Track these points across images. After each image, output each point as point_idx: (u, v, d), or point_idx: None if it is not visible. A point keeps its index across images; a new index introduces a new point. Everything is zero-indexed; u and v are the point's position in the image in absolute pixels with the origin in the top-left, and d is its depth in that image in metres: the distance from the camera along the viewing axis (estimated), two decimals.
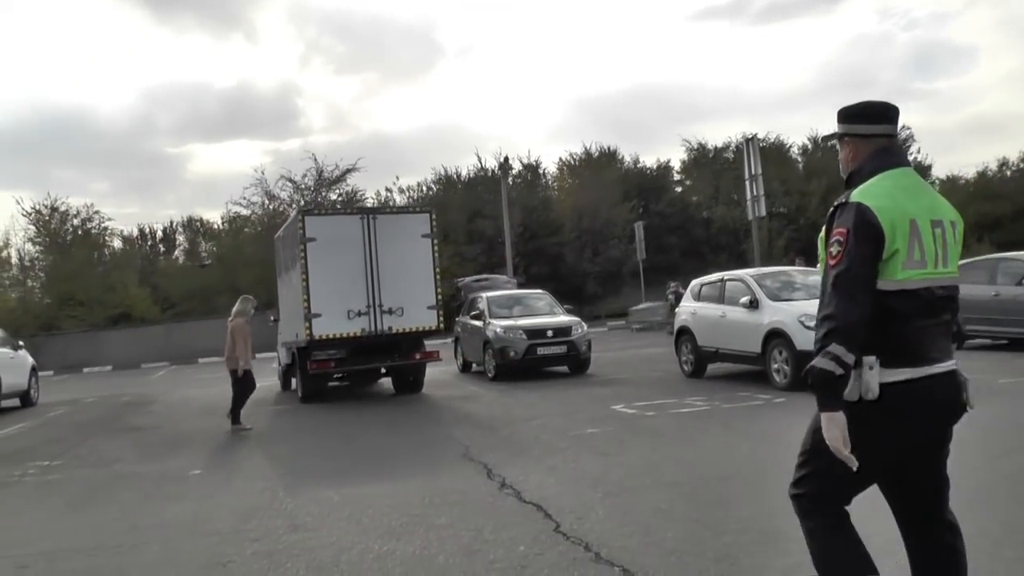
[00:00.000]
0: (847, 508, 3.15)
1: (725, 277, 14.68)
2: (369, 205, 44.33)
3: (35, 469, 10.33)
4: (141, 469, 9.82)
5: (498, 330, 16.78)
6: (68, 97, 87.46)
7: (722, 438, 9.08)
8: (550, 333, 16.52)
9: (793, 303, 12.79)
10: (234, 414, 12.51)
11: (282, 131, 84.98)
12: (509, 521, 6.10)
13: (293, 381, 17.42)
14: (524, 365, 16.44)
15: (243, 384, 12.54)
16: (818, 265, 3.19)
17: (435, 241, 15.27)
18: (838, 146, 3.30)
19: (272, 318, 19.90)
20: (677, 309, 16.65)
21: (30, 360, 19.67)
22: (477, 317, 18.08)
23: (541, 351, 16.29)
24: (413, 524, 6.23)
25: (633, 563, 4.88)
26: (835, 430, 2.87)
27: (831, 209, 3.08)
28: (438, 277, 15.28)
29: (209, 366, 32.65)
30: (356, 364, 15.32)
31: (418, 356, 15.38)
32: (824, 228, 3.11)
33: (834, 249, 2.95)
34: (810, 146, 50.76)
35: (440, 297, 15.30)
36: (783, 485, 6.46)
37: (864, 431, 2.90)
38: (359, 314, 14.62)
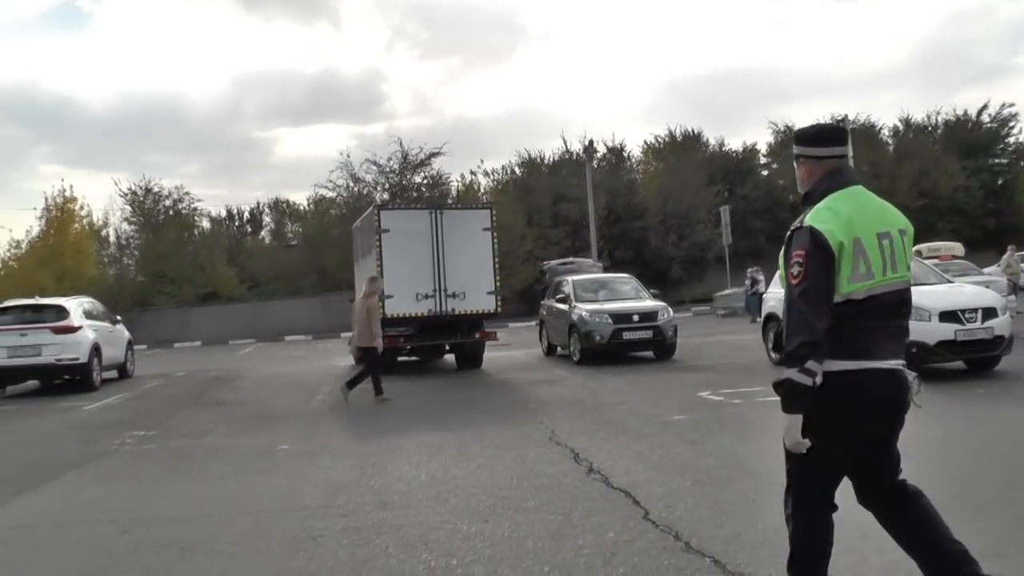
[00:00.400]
0: (831, 516, 3.64)
1: None
2: (455, 186, 44.98)
3: (132, 439, 10.63)
4: (231, 442, 10.02)
5: (584, 314, 16.64)
6: (161, 85, 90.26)
7: None
8: (636, 318, 16.33)
9: None
10: (376, 386, 12.86)
11: (367, 115, 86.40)
12: (597, 507, 6.03)
13: None
14: (609, 349, 16.28)
15: (377, 358, 13.10)
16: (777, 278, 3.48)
17: (494, 234, 17.00)
18: (795, 165, 3.66)
19: (349, 299, 21.16)
20: (764, 295, 16.28)
21: (127, 334, 20.27)
22: (563, 300, 18.01)
23: (627, 336, 16.12)
24: (501, 506, 6.20)
25: (724, 554, 4.76)
26: (795, 430, 3.33)
27: (788, 232, 3.43)
28: (497, 265, 17.02)
29: (295, 344, 33.26)
30: (423, 341, 17.04)
31: (477, 335, 17.13)
32: (783, 248, 3.46)
33: (795, 270, 3.31)
34: (901, 128, 49.22)
35: (498, 284, 17.08)
36: None
37: (819, 419, 3.31)
38: (426, 297, 16.40)
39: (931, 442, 7.90)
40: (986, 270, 25.28)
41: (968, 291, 12.67)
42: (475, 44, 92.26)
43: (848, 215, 3.32)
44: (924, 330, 11.33)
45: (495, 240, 17.03)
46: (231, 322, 40.52)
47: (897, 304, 3.40)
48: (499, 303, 17.09)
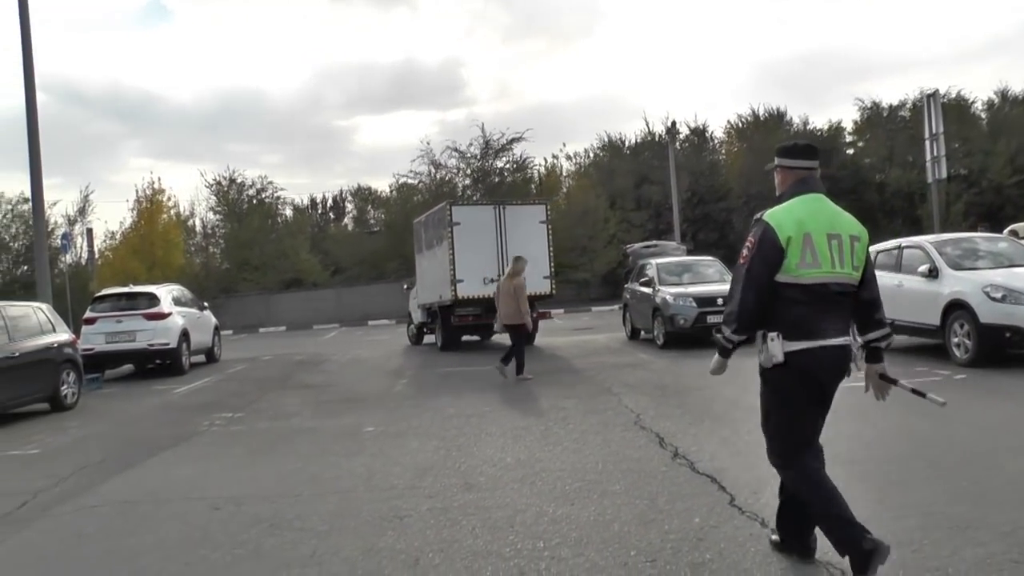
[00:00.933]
0: (816, 464, 4.22)
1: (902, 244, 13.77)
2: (537, 170, 44.92)
3: (221, 420, 10.92)
4: (317, 424, 10.19)
5: (667, 297, 16.47)
6: (245, 78, 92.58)
7: (899, 416, 8.51)
8: (720, 301, 16.01)
9: (977, 272, 11.91)
10: (518, 365, 13.14)
11: (448, 101, 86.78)
12: (683, 491, 5.97)
13: (425, 337, 22.16)
14: (694, 333, 16.03)
15: (523, 336, 13.49)
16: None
17: (549, 226, 19.35)
18: (774, 173, 4.41)
19: (405, 286, 24.37)
20: None
21: (213, 320, 20.88)
22: (646, 284, 17.87)
23: (711, 319, 15.76)
24: (587, 490, 6.17)
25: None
26: (717, 363, 4.38)
27: (753, 219, 4.23)
28: (551, 253, 19.19)
29: (378, 328, 33.62)
30: (488, 320, 18.14)
31: (535, 315, 17.87)
32: None
33: (744, 251, 4.10)
34: (997, 101, 46.99)
35: (553, 269, 19.22)
36: (967, 468, 6.21)
37: (785, 389, 4.12)
38: (492, 280, 18.07)
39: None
40: None
41: None
42: (555, 27, 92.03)
43: (800, 216, 4.05)
44: (1020, 314, 10.89)
45: (550, 231, 19.30)
46: (315, 307, 41.28)
47: (843, 294, 4.11)
48: (554, 286, 19.20)
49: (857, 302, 4.21)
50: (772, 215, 4.11)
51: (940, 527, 4.87)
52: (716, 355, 4.35)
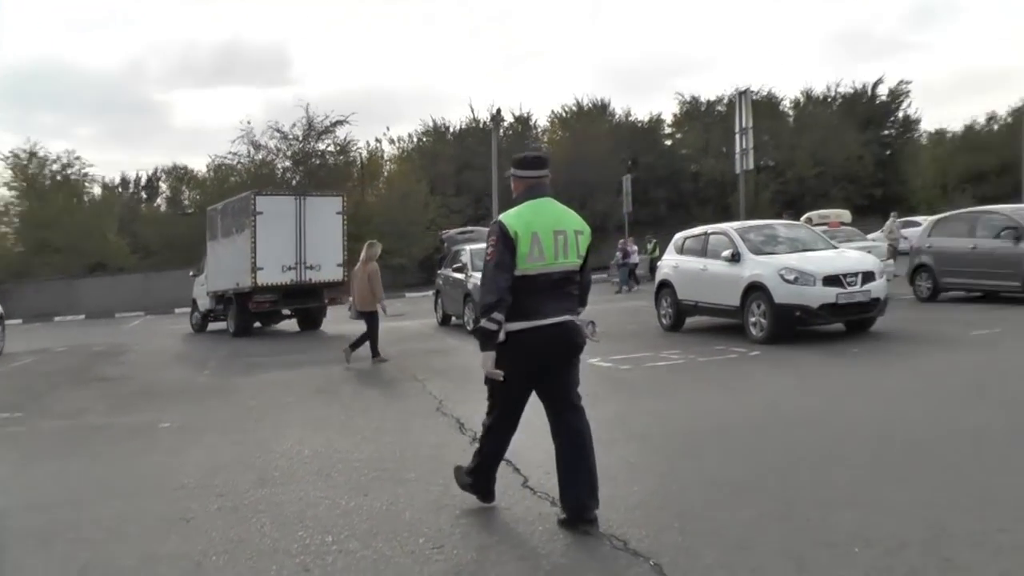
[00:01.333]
0: (507, 434, 5.10)
1: (709, 230, 14.51)
2: (360, 153, 44.42)
3: None
4: (110, 421, 9.66)
5: (478, 283, 16.43)
6: (56, 45, 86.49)
7: (695, 391, 9.05)
8: None
9: (774, 256, 12.72)
10: (373, 348, 13.25)
11: (273, 79, 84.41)
12: None
13: (209, 325, 22.98)
14: None
15: (377, 321, 13.44)
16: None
17: (345, 217, 20.56)
18: (511, 181, 5.01)
19: (191, 272, 24.71)
20: (659, 263, 16.29)
21: None
22: (459, 270, 17.79)
23: None
24: (382, 479, 6.14)
25: (599, 517, 4.77)
26: (488, 362, 4.66)
27: (491, 223, 4.92)
28: (346, 243, 20.32)
29: (186, 317, 32.34)
30: (286, 305, 20.44)
31: (327, 300, 20.65)
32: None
33: (489, 249, 4.69)
34: (802, 99, 50.18)
35: (346, 257, 20.09)
36: (754, 438, 6.66)
37: (505, 361, 4.64)
38: (290, 268, 19.58)
39: (809, 400, 8.16)
40: (870, 236, 26.28)
41: (851, 256, 13.10)
42: (385, 11, 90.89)
43: (528, 218, 4.71)
44: (808, 294, 11.76)
45: (345, 222, 20.51)
46: (119, 294, 39.26)
47: (565, 280, 4.78)
48: (346, 274, 19.58)
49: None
50: (505, 216, 4.77)
51: (722, 495, 5.19)
52: (481, 352, 4.69)
